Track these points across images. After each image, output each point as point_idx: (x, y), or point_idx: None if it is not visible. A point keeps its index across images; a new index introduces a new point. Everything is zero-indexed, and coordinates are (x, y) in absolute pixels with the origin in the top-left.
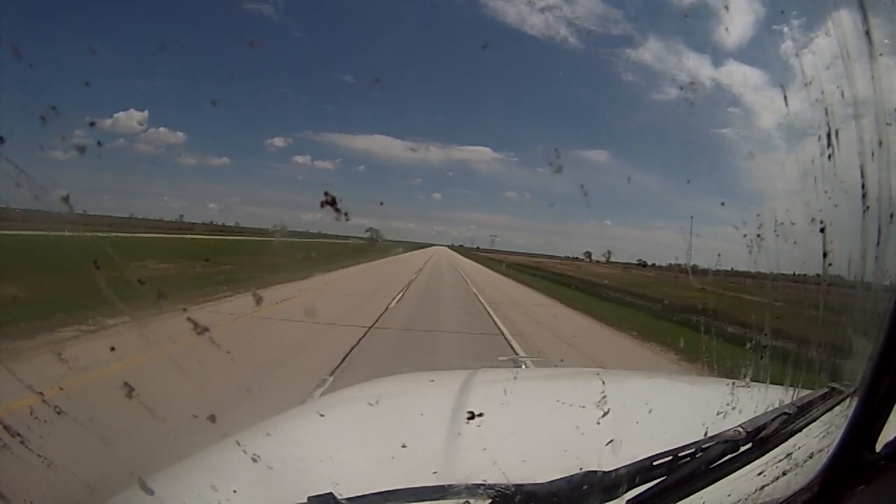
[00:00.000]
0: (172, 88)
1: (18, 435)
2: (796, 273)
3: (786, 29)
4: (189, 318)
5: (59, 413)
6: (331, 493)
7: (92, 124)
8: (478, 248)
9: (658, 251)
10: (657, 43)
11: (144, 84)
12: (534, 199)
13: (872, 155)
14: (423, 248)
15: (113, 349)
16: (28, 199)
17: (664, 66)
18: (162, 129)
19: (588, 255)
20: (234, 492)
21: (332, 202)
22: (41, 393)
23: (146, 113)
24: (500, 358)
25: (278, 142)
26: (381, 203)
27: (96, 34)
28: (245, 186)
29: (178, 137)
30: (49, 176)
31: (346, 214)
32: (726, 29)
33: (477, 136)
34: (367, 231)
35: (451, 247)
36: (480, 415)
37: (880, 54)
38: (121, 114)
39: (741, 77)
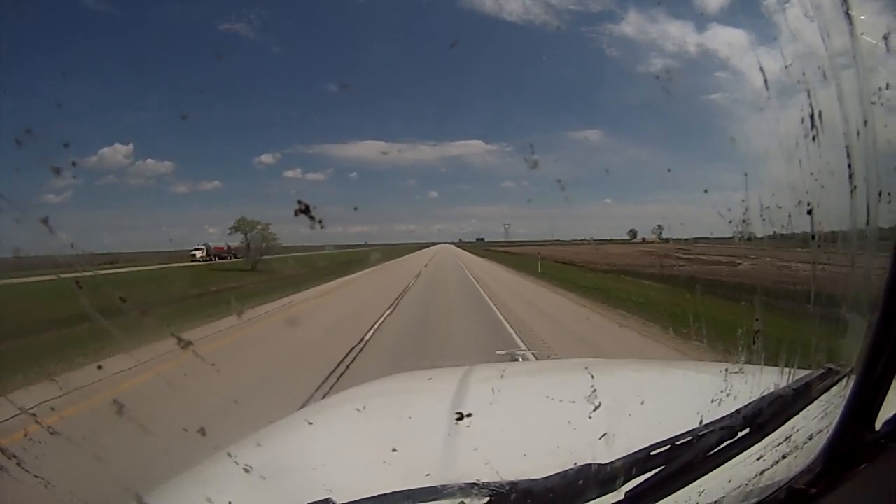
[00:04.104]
0: (154, 119)
1: (15, 457)
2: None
3: (763, 8)
4: None
5: (52, 433)
6: (328, 499)
7: (66, 145)
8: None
9: (655, 224)
10: (637, 14)
11: (126, 117)
12: (531, 187)
13: (858, 134)
14: (419, 249)
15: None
16: (8, 222)
17: (647, 37)
18: (149, 160)
19: (633, 233)
20: (230, 503)
21: (305, 210)
22: (34, 414)
23: (131, 146)
24: (498, 352)
25: (266, 158)
26: (356, 208)
27: (71, 69)
28: (240, 207)
29: (166, 167)
30: (28, 198)
31: (320, 222)
32: (704, 10)
33: (467, 130)
34: (232, 228)
35: (459, 244)
36: (470, 415)
37: (861, 33)
38: (106, 149)
39: (724, 42)
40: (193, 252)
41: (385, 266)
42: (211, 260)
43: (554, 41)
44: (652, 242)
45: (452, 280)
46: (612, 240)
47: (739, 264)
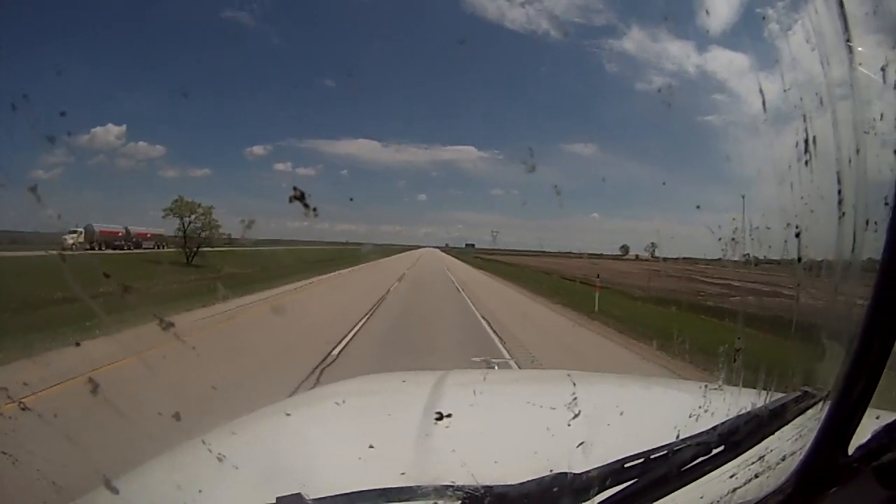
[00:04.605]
0: (149, 101)
1: None
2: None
3: (766, 34)
4: None
5: (23, 409)
6: (299, 494)
7: (63, 114)
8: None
9: (643, 241)
10: (640, 32)
11: (121, 98)
12: (521, 195)
13: (850, 162)
14: (404, 251)
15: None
16: None
17: (648, 54)
18: (141, 143)
19: (626, 249)
20: (200, 492)
21: (300, 197)
22: (5, 388)
23: (124, 127)
24: (474, 359)
25: (258, 150)
26: (351, 199)
27: (69, 48)
28: (229, 197)
29: (157, 151)
30: (19, 167)
31: (314, 210)
32: (707, 32)
33: (461, 136)
34: (167, 211)
35: (446, 249)
36: (449, 416)
37: (859, 64)
38: (98, 129)
39: (724, 64)
40: (65, 236)
41: (347, 273)
42: (92, 248)
43: (554, 52)
44: (646, 260)
45: (441, 317)
46: (602, 254)
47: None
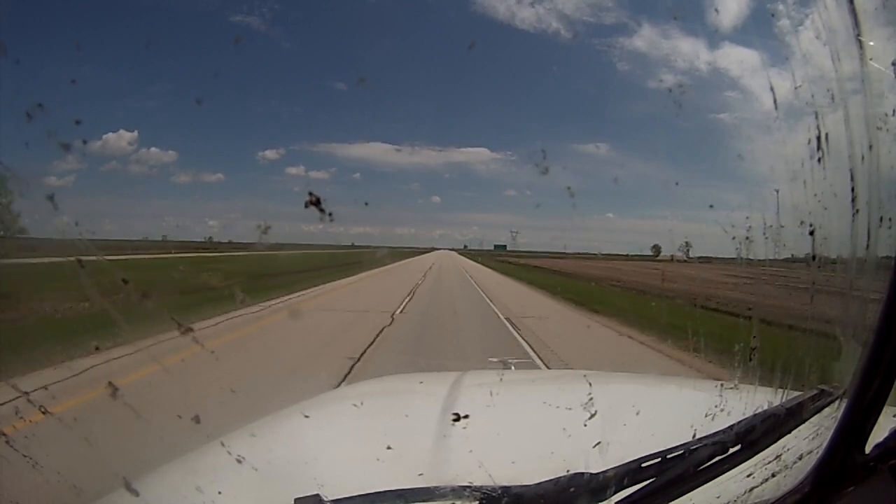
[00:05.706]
0: (161, 107)
1: (3, 434)
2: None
3: (776, 30)
4: None
5: (44, 413)
6: (317, 495)
7: (78, 122)
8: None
9: (659, 241)
10: (650, 30)
11: (132, 104)
12: (535, 196)
13: (863, 158)
14: (416, 255)
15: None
16: (13, 197)
17: (659, 52)
18: (153, 148)
19: (657, 249)
20: (220, 493)
21: (316, 202)
22: (26, 392)
23: (136, 133)
24: (490, 359)
25: (270, 154)
26: (366, 203)
27: (82, 56)
28: (242, 201)
29: (170, 156)
30: (34, 174)
31: (330, 214)
32: (716, 29)
33: (474, 137)
34: None
35: (465, 251)
36: (466, 416)
37: (870, 59)
38: (111, 135)
39: (735, 61)
40: None
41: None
42: None
43: (565, 52)
44: (683, 261)
45: None
46: (628, 255)
47: None
